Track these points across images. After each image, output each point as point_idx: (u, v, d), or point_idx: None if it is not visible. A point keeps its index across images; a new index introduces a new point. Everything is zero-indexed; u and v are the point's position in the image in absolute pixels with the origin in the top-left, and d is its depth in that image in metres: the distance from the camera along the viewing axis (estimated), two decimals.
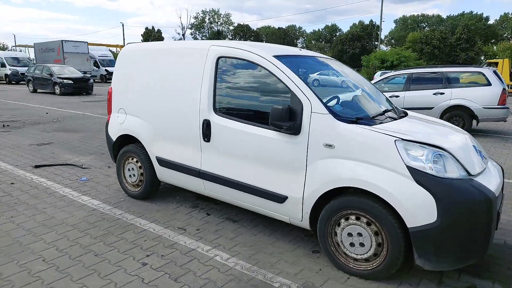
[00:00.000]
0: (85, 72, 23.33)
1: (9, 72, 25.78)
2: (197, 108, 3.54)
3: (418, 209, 2.49)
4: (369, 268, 2.78)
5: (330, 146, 2.85)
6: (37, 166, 5.45)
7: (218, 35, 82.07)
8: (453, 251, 2.52)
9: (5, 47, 79.51)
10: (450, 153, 2.67)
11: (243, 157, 3.30)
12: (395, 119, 3.32)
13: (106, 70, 30.21)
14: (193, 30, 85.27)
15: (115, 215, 3.82)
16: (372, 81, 9.97)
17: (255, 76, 3.32)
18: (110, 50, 38.09)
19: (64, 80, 17.57)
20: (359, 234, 2.75)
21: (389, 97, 9.36)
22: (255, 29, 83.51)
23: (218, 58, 3.47)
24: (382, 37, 63.18)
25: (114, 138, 4.39)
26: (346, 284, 2.72)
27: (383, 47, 61.58)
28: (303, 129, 2.94)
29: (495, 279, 2.83)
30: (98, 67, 30.41)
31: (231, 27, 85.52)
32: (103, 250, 3.09)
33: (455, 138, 3.07)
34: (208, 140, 3.49)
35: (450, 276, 2.85)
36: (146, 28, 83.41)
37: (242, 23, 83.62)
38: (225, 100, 3.47)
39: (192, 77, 3.60)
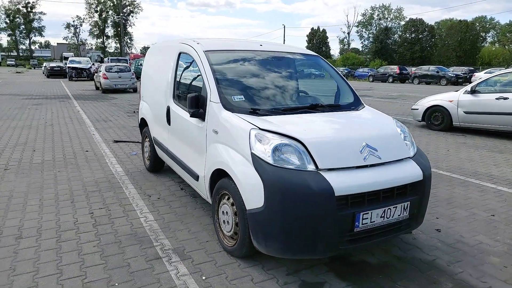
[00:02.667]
0: None
1: None
2: (165, 96, 4.21)
3: (252, 193, 2.58)
4: (231, 245, 2.99)
5: (216, 132, 3.10)
6: (115, 141, 7.10)
7: (386, 32, 77.91)
8: (281, 239, 2.52)
9: None
10: (303, 145, 2.62)
11: (182, 138, 3.82)
12: (311, 112, 3.23)
13: None
14: (359, 28, 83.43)
15: (119, 180, 4.87)
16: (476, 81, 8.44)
17: (194, 69, 3.75)
18: None
19: None
20: (227, 213, 2.95)
21: (496, 98, 7.84)
22: (432, 23, 75.35)
23: (179, 54, 4.04)
24: None
25: (139, 121, 5.48)
26: (209, 254, 2.95)
27: None
28: (206, 116, 3.27)
29: (350, 280, 2.57)
30: None
31: (402, 22, 79.60)
32: (95, 200, 4.14)
33: (336, 133, 2.91)
34: (169, 124, 4.11)
35: (311, 268, 2.73)
36: (312, 29, 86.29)
37: (414, 17, 76.95)
38: (178, 90, 4.02)
39: (166, 70, 4.29)
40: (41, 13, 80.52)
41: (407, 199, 2.80)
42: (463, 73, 32.71)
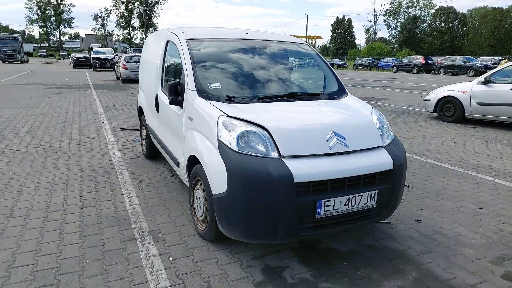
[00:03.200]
0: None
1: None
2: (155, 84, 4.32)
3: (217, 179, 2.65)
4: (202, 229, 3.10)
5: (191, 119, 3.18)
6: (121, 129, 7.33)
7: (414, 21, 75.35)
8: (242, 224, 2.58)
9: None
10: (268, 133, 2.64)
11: (166, 125, 3.94)
12: (288, 101, 3.26)
13: None
14: (386, 16, 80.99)
15: (115, 166, 5.05)
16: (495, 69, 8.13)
17: (178, 56, 3.83)
18: None
19: None
20: (199, 198, 3.05)
21: (511, 89, 7.57)
22: (464, 12, 72.15)
23: (167, 42, 4.13)
24: None
25: (137, 109, 5.63)
26: (183, 237, 3.06)
27: None
28: (184, 103, 3.35)
29: (312, 266, 2.61)
30: None
31: (431, 11, 76.65)
32: (89, 184, 4.34)
33: (304, 121, 2.91)
34: (158, 111, 4.23)
35: (277, 253, 2.79)
36: (337, 18, 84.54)
37: (445, 6, 73.87)
38: (165, 78, 4.12)
39: (156, 58, 4.40)
40: (70, 5, 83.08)
41: (374, 188, 2.79)
42: (492, 63, 31.32)
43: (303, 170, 2.55)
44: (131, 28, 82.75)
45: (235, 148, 2.62)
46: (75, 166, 4.97)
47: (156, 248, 2.94)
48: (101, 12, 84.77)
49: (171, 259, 2.80)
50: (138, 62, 18.39)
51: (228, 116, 2.81)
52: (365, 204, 2.77)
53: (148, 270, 2.64)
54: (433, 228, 3.43)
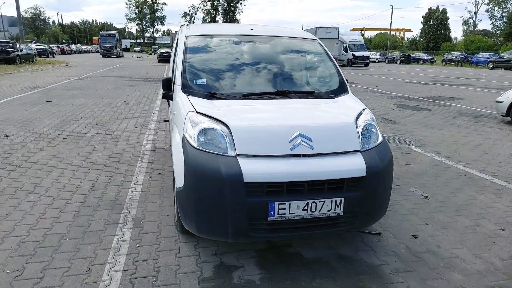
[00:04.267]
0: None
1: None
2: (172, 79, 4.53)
3: (178, 173, 2.74)
4: (176, 221, 3.19)
5: (174, 113, 3.30)
6: (165, 120, 7.80)
7: None
8: (194, 218, 2.62)
9: None
10: (229, 130, 2.64)
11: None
12: (272, 98, 3.18)
13: (353, 54, 31.73)
14: (490, 6, 72.26)
15: (141, 155, 5.44)
16: None
17: None
18: (363, 34, 39.14)
19: None
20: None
21: None
22: None
23: (186, 37, 4.28)
24: None
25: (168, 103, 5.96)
26: (161, 226, 3.22)
27: None
28: (173, 98, 3.48)
29: (266, 269, 2.55)
30: (347, 51, 32.30)
31: None
32: (108, 169, 4.78)
33: (270, 120, 2.84)
34: (169, 105, 4.44)
35: (239, 252, 2.79)
36: (429, 9, 78.07)
37: None
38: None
39: (174, 54, 4.58)
40: (163, 3, 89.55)
41: (341, 195, 2.61)
42: None
43: (255, 170, 2.49)
44: None
45: (194, 144, 2.66)
46: (107, 153, 5.45)
47: (131, 234, 3.13)
48: (189, 10, 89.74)
49: (137, 245, 2.96)
50: None
51: (196, 112, 2.85)
52: (328, 211, 2.60)
53: (112, 253, 2.83)
54: (428, 246, 3.08)
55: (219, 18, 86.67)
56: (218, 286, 2.50)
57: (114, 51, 49.55)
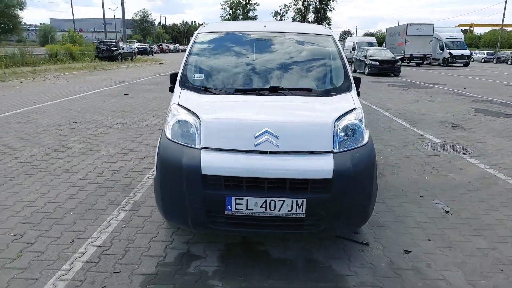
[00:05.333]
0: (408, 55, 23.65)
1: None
2: None
3: (155, 162, 2.89)
4: None
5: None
6: None
7: None
8: (160, 205, 2.77)
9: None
10: (199, 123, 2.70)
11: None
12: (263, 94, 3.16)
13: (450, 53, 28.69)
14: None
15: None
16: None
17: None
18: (463, 30, 35.04)
19: (372, 62, 19.48)
20: None
21: None
22: None
23: (197, 34, 4.44)
24: None
25: None
26: (155, 211, 3.43)
27: None
28: None
29: (225, 263, 2.57)
30: (443, 49, 29.32)
31: None
32: (140, 157, 5.23)
33: (240, 115, 2.83)
34: None
35: (209, 243, 2.88)
36: None
37: None
38: None
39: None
40: (256, 3, 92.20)
41: (303, 196, 2.50)
42: None
43: (214, 163, 2.53)
44: (306, 23, 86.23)
45: (168, 135, 2.79)
46: (146, 142, 5.92)
47: (124, 215, 3.40)
48: (280, 9, 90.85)
49: (124, 226, 3.21)
50: None
51: (178, 104, 2.98)
52: (289, 211, 2.52)
53: (98, 230, 3.12)
54: (416, 264, 2.76)
55: (310, 16, 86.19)
56: (172, 272, 2.60)
57: None
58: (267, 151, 2.58)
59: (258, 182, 2.51)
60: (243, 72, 3.54)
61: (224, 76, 3.52)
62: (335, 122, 2.75)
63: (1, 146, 5.49)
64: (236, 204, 2.52)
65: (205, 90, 3.26)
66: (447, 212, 3.63)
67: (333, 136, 2.68)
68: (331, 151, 2.62)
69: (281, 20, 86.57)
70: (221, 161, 2.54)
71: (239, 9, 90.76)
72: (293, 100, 3.14)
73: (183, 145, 2.67)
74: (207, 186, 2.53)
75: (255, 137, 2.61)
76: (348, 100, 3.15)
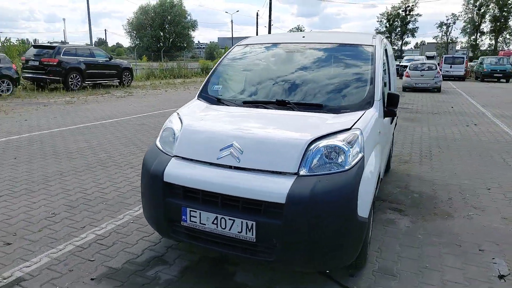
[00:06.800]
0: None
1: None
2: None
3: None
4: None
5: None
6: None
7: None
8: (143, 208, 2.90)
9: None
10: (179, 133, 2.77)
11: None
12: (267, 108, 3.02)
13: None
14: None
15: None
16: None
17: None
18: None
19: None
20: None
21: None
22: None
23: (234, 46, 4.45)
24: None
25: None
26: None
27: None
28: None
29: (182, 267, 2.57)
30: None
31: None
32: None
33: (214, 127, 2.78)
34: None
35: (185, 251, 2.94)
36: None
37: None
38: None
39: None
40: (417, 15, 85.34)
41: (253, 218, 2.28)
42: None
43: (175, 172, 2.54)
44: (478, 34, 75.12)
45: (157, 141, 2.93)
46: None
47: (123, 219, 3.51)
48: (447, 19, 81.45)
49: (132, 222, 3.48)
50: (423, 70, 17.48)
51: (177, 112, 3.10)
52: (238, 232, 2.33)
53: (110, 221, 3.47)
54: None
55: (484, 26, 74.77)
56: (132, 271, 2.69)
57: None
58: (230, 166, 2.45)
59: (213, 197, 2.42)
60: (258, 85, 3.45)
61: (239, 88, 3.49)
62: (312, 142, 2.41)
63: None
64: (190, 216, 2.47)
65: (218, 100, 3.28)
66: (501, 276, 2.66)
67: (304, 157, 2.36)
68: (296, 173, 2.30)
69: (447, 31, 77.86)
70: (182, 171, 2.54)
71: (397, 21, 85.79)
72: (291, 115, 2.91)
73: (161, 151, 2.77)
74: (168, 194, 2.55)
75: (220, 150, 2.51)
76: (352, 118, 2.69)
